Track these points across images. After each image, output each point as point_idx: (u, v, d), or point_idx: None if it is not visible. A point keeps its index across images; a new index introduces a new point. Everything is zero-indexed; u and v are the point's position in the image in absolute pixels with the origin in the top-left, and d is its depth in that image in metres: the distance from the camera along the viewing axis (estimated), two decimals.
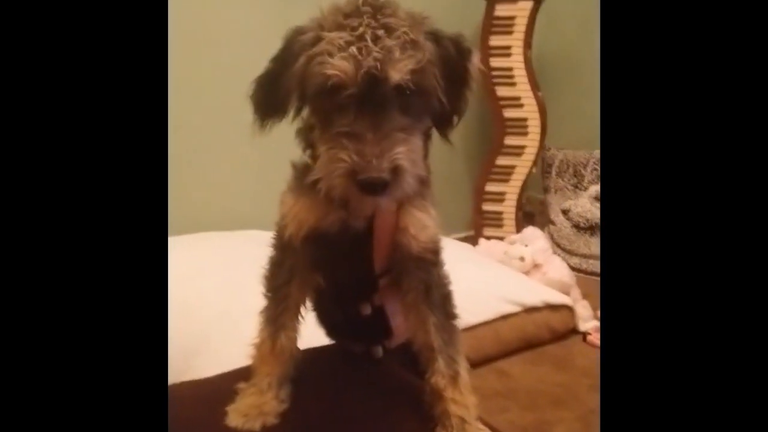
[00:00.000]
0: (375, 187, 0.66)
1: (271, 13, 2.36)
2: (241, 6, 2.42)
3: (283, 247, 0.84)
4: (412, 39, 0.68)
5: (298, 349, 0.86)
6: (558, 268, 2.24)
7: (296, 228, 0.80)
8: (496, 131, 2.95)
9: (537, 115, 2.86)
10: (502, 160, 2.96)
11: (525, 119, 2.87)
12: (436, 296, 0.82)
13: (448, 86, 0.72)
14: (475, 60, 0.75)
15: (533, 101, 2.84)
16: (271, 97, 0.75)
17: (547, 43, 3.01)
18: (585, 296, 2.29)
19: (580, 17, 3.03)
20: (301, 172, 0.81)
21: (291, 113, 0.76)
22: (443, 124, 0.77)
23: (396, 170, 0.66)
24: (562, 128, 3.04)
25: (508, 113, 2.89)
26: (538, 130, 2.88)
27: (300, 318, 0.86)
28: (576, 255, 2.84)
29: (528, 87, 2.81)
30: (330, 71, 0.67)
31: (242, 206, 2.39)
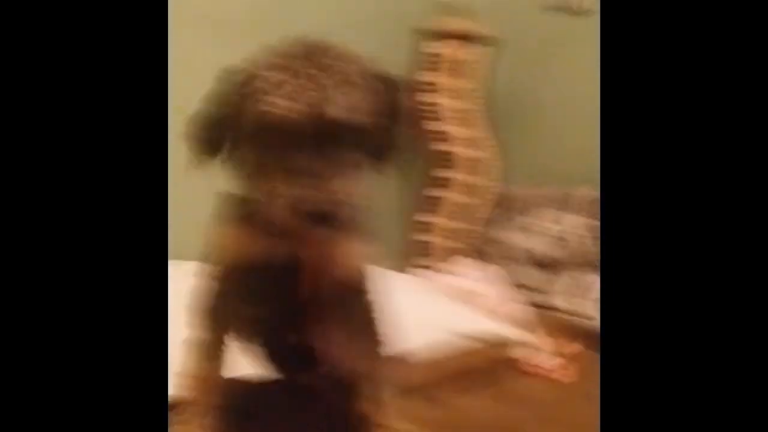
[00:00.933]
0: (318, 219, 0.70)
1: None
2: None
3: (211, 278, 0.85)
4: (346, 77, 0.72)
5: (225, 378, 0.87)
6: (497, 299, 2.29)
7: (224, 258, 0.82)
8: (425, 163, 3.00)
9: (494, 156, 2.91)
10: (432, 191, 3.01)
11: (482, 159, 2.93)
12: (362, 324, 0.85)
13: (377, 120, 0.76)
14: (402, 96, 0.80)
15: (489, 144, 2.90)
16: (206, 136, 0.78)
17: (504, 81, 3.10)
18: (548, 333, 2.30)
19: (522, 60, 3.14)
20: (229, 203, 0.83)
21: (225, 151, 0.78)
22: (378, 157, 0.80)
23: (336, 203, 0.70)
24: (521, 166, 3.07)
25: (468, 152, 2.93)
26: (497, 169, 2.93)
27: (227, 347, 0.87)
28: (538, 293, 2.85)
29: (484, 130, 2.89)
30: (270, 109, 0.70)
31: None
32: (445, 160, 2.95)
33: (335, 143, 0.72)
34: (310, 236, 0.76)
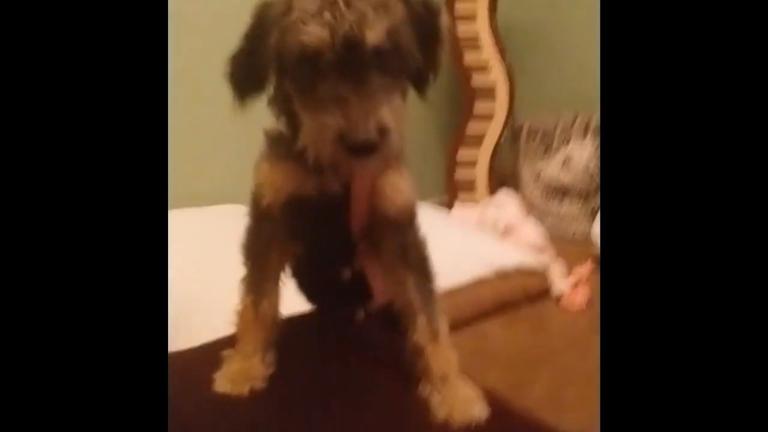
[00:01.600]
0: (365, 150, 0.67)
1: None
2: None
3: (260, 216, 0.85)
4: (383, 1, 0.69)
5: (281, 315, 0.88)
6: (531, 231, 2.29)
7: (274, 196, 0.81)
8: (464, 98, 2.96)
9: (505, 81, 2.88)
10: (472, 126, 2.98)
11: (493, 85, 2.89)
12: (414, 258, 0.84)
13: (422, 45, 0.73)
14: (445, 18, 0.76)
15: (501, 68, 2.85)
16: (248, 74, 0.75)
17: (512, 9, 3.02)
18: (559, 257, 2.34)
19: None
20: (276, 140, 0.82)
21: (270, 87, 0.76)
22: (420, 82, 0.78)
23: (383, 131, 0.67)
24: (529, 95, 3.06)
25: (476, 80, 2.90)
26: (506, 96, 2.90)
27: (281, 284, 0.88)
28: (548, 217, 2.89)
29: (495, 52, 2.82)
30: (306, 39, 0.68)
31: (215, 180, 2.36)
32: (487, 93, 2.90)
33: (377, 70, 0.69)
34: (358, 169, 0.74)
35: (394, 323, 0.88)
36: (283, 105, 0.78)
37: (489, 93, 2.89)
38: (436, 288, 0.86)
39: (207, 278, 1.60)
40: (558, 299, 2.19)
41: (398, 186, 0.82)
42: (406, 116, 0.75)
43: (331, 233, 0.85)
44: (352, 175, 0.79)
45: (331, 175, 0.78)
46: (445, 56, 0.77)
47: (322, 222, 0.84)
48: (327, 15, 0.67)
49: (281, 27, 0.70)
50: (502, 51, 2.82)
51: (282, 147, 0.80)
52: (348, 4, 0.67)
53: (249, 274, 0.86)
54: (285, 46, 0.70)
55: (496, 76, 2.85)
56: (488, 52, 2.81)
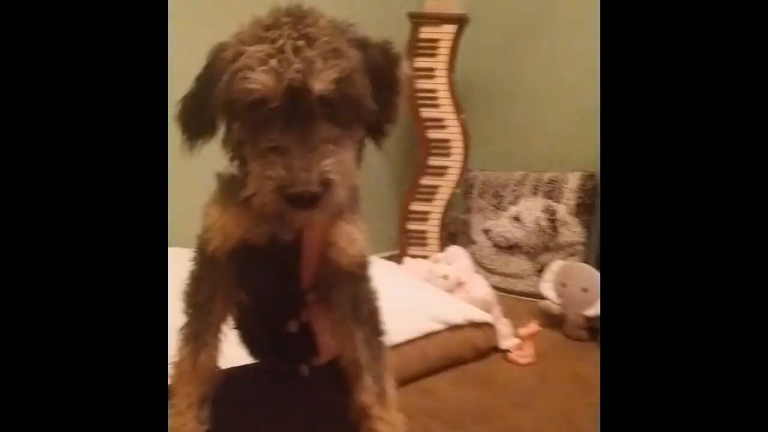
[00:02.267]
0: (305, 201, 0.65)
1: None
2: None
3: (205, 262, 0.82)
4: (335, 48, 0.68)
5: (220, 367, 0.83)
6: (480, 287, 2.28)
7: (222, 241, 0.79)
8: (420, 152, 2.99)
9: (460, 137, 2.93)
10: (426, 180, 3.01)
11: (448, 140, 2.94)
12: (364, 311, 0.82)
13: (377, 93, 0.72)
14: (404, 66, 0.76)
15: (456, 123, 2.90)
16: (198, 117, 0.74)
17: (470, 66, 3.10)
18: (506, 314, 2.34)
19: (503, 41, 3.14)
20: (227, 183, 0.80)
21: (220, 131, 0.75)
22: (376, 133, 0.77)
23: (326, 183, 0.66)
24: (484, 150, 3.12)
25: (432, 134, 2.94)
26: (461, 151, 2.95)
27: (222, 335, 0.84)
28: (496, 274, 2.91)
29: (452, 109, 2.87)
30: (251, 86, 0.67)
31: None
32: (444, 148, 2.94)
33: (324, 120, 0.68)
34: (301, 219, 0.72)
35: (339, 381, 0.85)
36: (235, 148, 0.76)
37: (444, 148, 2.93)
38: (385, 344, 0.84)
39: None
40: (505, 355, 2.18)
41: (351, 236, 0.80)
42: (358, 168, 0.74)
43: (279, 283, 0.83)
44: (304, 224, 0.77)
45: (282, 222, 0.76)
46: (403, 107, 0.76)
47: (271, 271, 0.81)
48: (274, 62, 0.66)
49: (230, 72, 0.69)
50: (458, 107, 2.88)
51: (234, 191, 0.77)
52: (297, 52, 0.66)
53: (189, 322, 0.82)
54: (233, 92, 0.69)
55: (452, 131, 2.90)
56: (445, 107, 2.86)
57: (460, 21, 2.82)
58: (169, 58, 0.70)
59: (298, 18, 0.69)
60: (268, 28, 0.68)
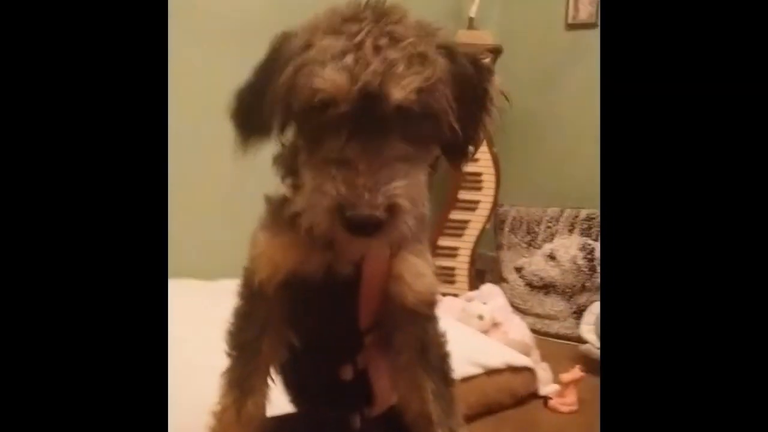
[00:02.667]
0: (366, 227, 0.56)
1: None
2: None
3: (252, 296, 0.73)
4: (421, 52, 0.59)
5: (267, 417, 0.73)
6: (518, 328, 2.17)
7: (270, 272, 0.69)
8: (450, 185, 2.91)
9: (492, 170, 2.85)
10: (455, 215, 2.92)
11: (480, 174, 2.85)
12: (434, 357, 0.72)
13: (463, 110, 0.63)
14: (496, 81, 0.66)
15: (488, 156, 2.83)
16: (254, 113, 0.65)
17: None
18: (543, 358, 2.22)
19: (537, 74, 3.08)
20: (278, 206, 0.70)
21: (276, 132, 0.66)
22: (455, 155, 0.67)
23: (392, 208, 0.56)
24: (516, 185, 3.03)
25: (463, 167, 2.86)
26: (492, 185, 2.86)
27: (270, 380, 0.74)
28: (530, 314, 2.78)
29: (483, 141, 2.80)
30: (319, 84, 0.57)
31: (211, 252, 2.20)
32: (475, 181, 2.86)
33: (399, 135, 0.59)
34: (358, 249, 0.64)
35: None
36: (290, 162, 0.67)
37: (475, 181, 2.85)
38: (457, 395, 0.73)
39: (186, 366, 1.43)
40: (545, 401, 2.05)
41: (418, 270, 0.70)
42: (423, 191, 0.65)
43: (334, 322, 0.73)
44: (364, 255, 0.68)
45: (338, 252, 0.66)
46: (493, 126, 0.67)
47: (325, 308, 0.72)
48: (349, 59, 0.57)
49: (296, 65, 0.60)
50: (491, 140, 2.80)
51: (285, 216, 0.68)
52: (377, 51, 0.57)
53: (234, 366, 0.73)
54: (295, 89, 0.60)
55: (484, 164, 2.82)
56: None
57: (494, 52, 2.76)
58: (170, 56, 0.63)
59: (381, 13, 0.60)
60: (346, 20, 0.59)
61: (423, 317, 0.72)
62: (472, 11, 2.78)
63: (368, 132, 0.57)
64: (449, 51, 0.63)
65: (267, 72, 0.64)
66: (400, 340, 0.72)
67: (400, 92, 0.57)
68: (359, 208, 0.55)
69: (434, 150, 0.65)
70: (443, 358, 0.74)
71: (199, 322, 1.68)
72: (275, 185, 0.71)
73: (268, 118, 0.64)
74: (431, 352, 0.72)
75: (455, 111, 0.62)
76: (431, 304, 0.72)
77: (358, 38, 0.58)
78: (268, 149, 0.69)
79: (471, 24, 2.84)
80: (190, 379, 1.33)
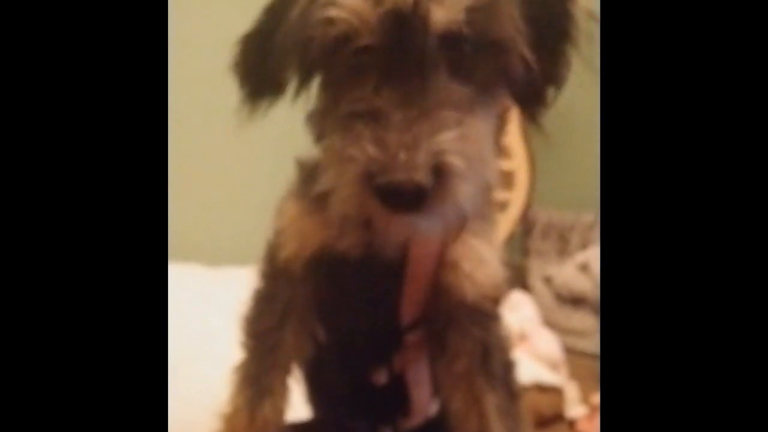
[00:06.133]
0: (405, 198, 0.45)
1: None
2: None
3: (275, 276, 0.64)
4: None
5: (286, 423, 0.65)
6: (547, 342, 2.08)
7: (298, 246, 0.60)
8: None
9: (526, 168, 2.75)
10: None
11: (512, 171, 2.76)
12: (497, 366, 0.63)
13: (537, 37, 0.51)
14: (581, 2, 0.53)
15: (524, 152, 2.73)
16: (261, 66, 0.55)
17: None
18: (571, 376, 2.14)
19: (581, 65, 2.99)
20: (311, 173, 0.61)
21: (293, 88, 0.56)
22: (530, 99, 0.55)
23: (441, 169, 0.45)
24: (549, 186, 2.94)
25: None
26: (525, 184, 2.77)
27: (291, 379, 0.66)
28: (556, 328, 2.69)
29: (519, 136, 2.71)
30: (334, 13, 0.47)
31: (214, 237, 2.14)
32: (505, 179, 2.77)
33: (445, 70, 0.48)
34: (401, 229, 0.51)
35: None
36: (321, 120, 0.57)
37: (507, 180, 2.76)
38: (524, 413, 0.64)
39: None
40: (572, 424, 1.98)
41: (481, 255, 0.60)
42: (496, 153, 0.55)
43: (370, 314, 0.64)
44: (407, 235, 0.58)
45: (380, 232, 0.57)
46: (579, 64, 0.54)
47: (360, 296, 0.63)
48: None
49: None
50: (528, 136, 2.71)
51: (317, 185, 0.59)
52: None
53: (249, 360, 0.65)
54: (309, 27, 0.49)
55: (518, 162, 2.72)
56: (513, 134, 2.69)
57: None
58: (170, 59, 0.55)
59: None
60: None
61: (486, 315, 0.63)
62: None
63: (404, 71, 0.46)
64: None
65: (277, 9, 0.54)
66: (456, 342, 0.62)
67: (444, 12, 0.46)
68: (393, 172, 0.44)
69: (500, 94, 0.54)
70: (509, 366, 0.65)
71: (201, 311, 1.63)
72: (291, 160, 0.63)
73: (280, 69, 0.54)
74: (495, 359, 0.63)
75: (527, 37, 0.50)
76: (495, 299, 0.63)
77: None
78: (281, 115, 0.59)
79: None
80: (190, 368, 1.27)
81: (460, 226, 0.56)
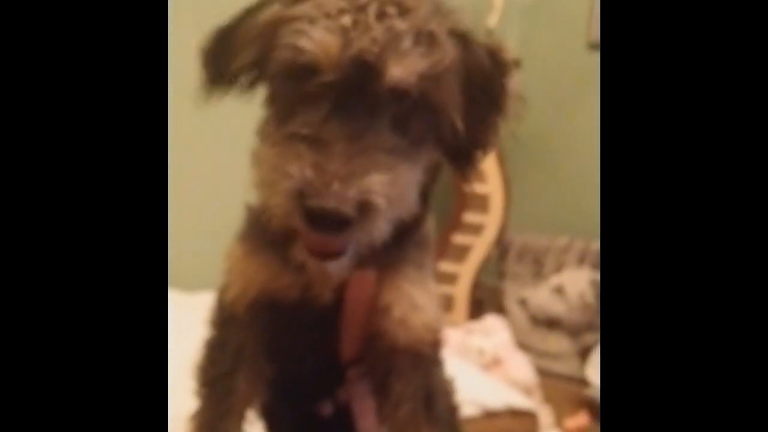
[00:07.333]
0: (330, 224, 0.50)
1: None
2: None
3: (225, 323, 0.68)
4: (431, 32, 0.54)
5: None
6: (521, 366, 2.12)
7: (241, 289, 0.65)
8: (454, 205, 2.87)
9: (501, 192, 2.81)
10: (458, 238, 2.88)
11: (487, 195, 2.82)
12: (442, 410, 0.66)
13: (471, 107, 0.58)
14: (514, 78, 0.61)
15: (498, 176, 2.79)
16: (224, 54, 0.59)
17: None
18: (545, 400, 2.18)
19: (555, 93, 3.06)
20: (258, 218, 0.66)
21: (244, 82, 0.61)
22: (459, 158, 0.61)
23: (364, 206, 0.50)
24: (523, 210, 3.00)
25: (469, 187, 2.83)
26: (500, 208, 2.82)
27: (245, 424, 0.70)
28: (530, 351, 2.73)
29: (495, 160, 2.77)
30: (304, 45, 0.52)
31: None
32: (480, 202, 2.83)
33: (389, 120, 0.53)
34: (317, 245, 0.56)
35: None
36: (267, 130, 0.62)
37: (482, 203, 2.81)
38: None
39: None
40: None
41: (414, 302, 0.64)
42: (423, 202, 0.60)
43: (312, 353, 0.69)
44: (344, 280, 0.63)
45: (315, 275, 0.61)
46: (505, 130, 0.61)
47: (301, 337, 0.67)
48: (346, 20, 0.52)
49: (281, 18, 0.55)
50: (502, 159, 2.77)
51: (265, 229, 0.64)
52: (381, 18, 0.52)
53: (203, 407, 0.68)
54: (276, 43, 0.54)
55: (494, 186, 2.78)
56: (488, 159, 2.76)
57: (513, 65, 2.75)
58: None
59: None
60: None
61: (427, 360, 0.67)
62: (492, 21, 2.77)
63: (353, 110, 0.52)
64: (463, 38, 0.58)
65: (252, 9, 0.59)
66: (399, 389, 0.66)
67: (400, 71, 0.52)
68: (324, 198, 0.49)
69: (430, 149, 0.59)
70: (453, 410, 0.69)
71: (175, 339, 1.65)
72: None
73: (236, 61, 0.58)
74: (439, 404, 0.66)
75: (461, 107, 0.57)
76: (433, 344, 0.67)
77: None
78: None
79: (490, 36, 2.82)
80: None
81: (388, 268, 0.63)
